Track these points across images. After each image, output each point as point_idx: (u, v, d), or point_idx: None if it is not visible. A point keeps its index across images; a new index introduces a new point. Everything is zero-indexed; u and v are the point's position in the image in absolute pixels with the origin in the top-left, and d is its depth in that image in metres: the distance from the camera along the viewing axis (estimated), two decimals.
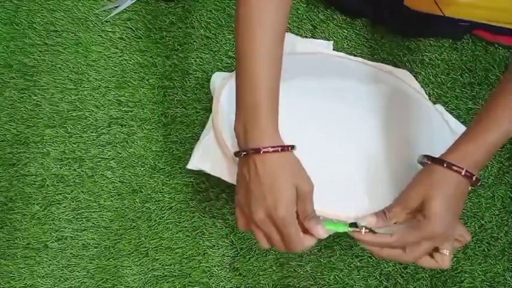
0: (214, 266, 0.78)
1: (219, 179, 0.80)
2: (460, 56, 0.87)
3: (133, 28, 0.89)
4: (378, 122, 0.67)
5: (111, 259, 0.78)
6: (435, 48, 0.88)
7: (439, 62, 0.87)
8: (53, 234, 0.79)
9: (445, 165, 0.51)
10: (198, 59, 0.87)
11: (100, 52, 0.87)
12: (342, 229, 0.55)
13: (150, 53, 0.87)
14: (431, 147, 0.57)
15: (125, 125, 0.84)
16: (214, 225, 0.79)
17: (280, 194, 0.50)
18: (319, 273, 0.77)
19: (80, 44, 0.88)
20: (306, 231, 0.52)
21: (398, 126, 0.68)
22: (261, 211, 0.50)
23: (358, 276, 0.77)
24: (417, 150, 0.63)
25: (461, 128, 0.75)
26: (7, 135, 0.84)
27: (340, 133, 0.65)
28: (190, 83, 0.86)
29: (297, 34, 0.87)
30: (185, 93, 0.85)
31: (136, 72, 0.86)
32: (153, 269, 0.78)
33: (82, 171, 0.82)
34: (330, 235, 0.55)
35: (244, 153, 0.51)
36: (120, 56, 0.87)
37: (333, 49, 0.84)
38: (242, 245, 0.78)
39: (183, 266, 0.78)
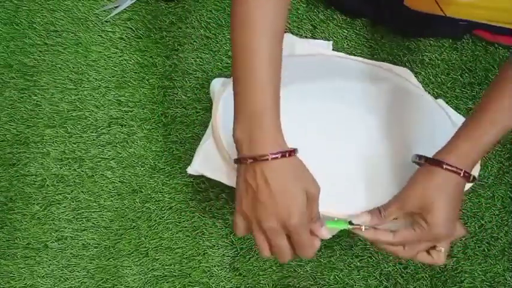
0: (214, 266, 0.78)
1: None
2: (460, 56, 0.87)
3: (133, 28, 0.89)
4: (378, 122, 0.67)
5: (111, 259, 0.78)
6: (435, 48, 0.88)
7: (439, 62, 0.87)
8: (53, 234, 0.79)
9: (444, 167, 0.51)
10: (198, 59, 0.87)
11: (100, 52, 0.87)
12: (342, 226, 0.55)
13: (150, 53, 0.87)
14: (433, 143, 0.57)
15: (125, 125, 0.84)
16: (214, 225, 0.79)
17: (293, 202, 0.48)
18: (319, 273, 0.77)
19: (80, 44, 0.88)
20: (310, 232, 0.52)
21: (399, 124, 0.68)
22: (272, 220, 0.48)
23: (358, 276, 0.77)
24: (419, 147, 0.63)
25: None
26: (7, 135, 0.84)
27: (340, 133, 0.65)
28: (190, 83, 0.86)
29: (296, 34, 0.87)
30: (185, 93, 0.85)
31: (136, 72, 0.86)
32: (153, 269, 0.78)
33: (82, 171, 0.82)
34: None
35: (251, 160, 0.48)
36: (120, 56, 0.87)
37: (333, 49, 0.84)
38: (242, 245, 0.78)
39: (183, 266, 0.78)
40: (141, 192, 0.81)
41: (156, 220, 0.80)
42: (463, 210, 0.80)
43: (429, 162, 0.53)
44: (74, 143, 0.83)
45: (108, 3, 0.90)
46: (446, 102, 0.84)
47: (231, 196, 0.80)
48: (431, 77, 0.86)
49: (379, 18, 0.88)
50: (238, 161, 0.50)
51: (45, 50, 0.88)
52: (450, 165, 0.51)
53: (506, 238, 0.79)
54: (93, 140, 0.83)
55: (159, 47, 0.88)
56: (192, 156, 0.65)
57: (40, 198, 0.81)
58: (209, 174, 0.63)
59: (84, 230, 0.80)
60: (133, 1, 0.89)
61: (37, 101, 0.85)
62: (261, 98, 0.48)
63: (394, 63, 0.85)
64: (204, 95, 0.85)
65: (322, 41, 0.84)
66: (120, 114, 0.84)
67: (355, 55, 0.83)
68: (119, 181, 0.81)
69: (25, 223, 0.80)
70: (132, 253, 0.78)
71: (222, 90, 0.66)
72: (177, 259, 0.78)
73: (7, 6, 0.91)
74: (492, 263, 0.78)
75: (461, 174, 0.51)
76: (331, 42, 0.84)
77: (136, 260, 0.78)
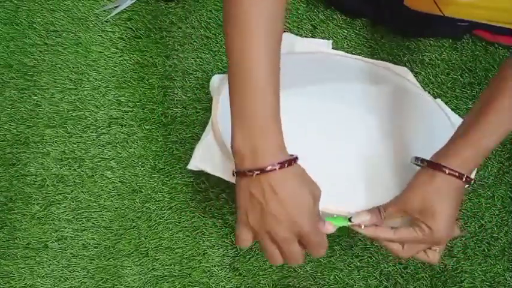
0: (214, 266, 0.78)
1: (219, 178, 0.80)
2: (460, 56, 0.87)
3: (133, 28, 0.89)
4: (378, 122, 0.67)
5: (111, 259, 0.78)
6: (435, 48, 0.88)
7: (439, 62, 0.87)
8: (53, 234, 0.79)
9: (447, 172, 0.50)
10: (198, 59, 0.87)
11: (100, 52, 0.87)
12: (342, 223, 0.55)
13: (150, 53, 0.87)
14: (432, 144, 0.57)
15: (125, 125, 0.84)
16: (214, 225, 0.79)
17: (304, 208, 0.48)
18: (319, 273, 0.77)
19: (80, 44, 0.88)
20: None
21: (399, 124, 0.68)
22: (285, 230, 0.47)
23: (358, 276, 0.77)
24: (418, 147, 0.63)
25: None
26: (7, 135, 0.84)
27: (340, 133, 0.65)
28: (190, 83, 0.86)
29: (296, 34, 0.87)
30: (185, 93, 0.85)
31: (136, 72, 0.86)
32: (153, 269, 0.78)
33: (82, 171, 0.82)
34: (330, 234, 0.55)
35: (257, 172, 0.46)
36: (120, 56, 0.87)
37: (333, 48, 0.84)
38: None
39: (183, 266, 0.78)
40: (141, 192, 0.81)
41: (156, 220, 0.80)
42: (463, 210, 0.80)
43: (431, 166, 0.52)
44: (74, 143, 0.83)
45: (108, 3, 0.90)
46: (446, 103, 0.84)
47: (231, 196, 0.80)
48: (431, 77, 0.86)
49: (379, 18, 0.88)
50: (239, 173, 0.48)
51: (45, 50, 0.88)
52: (453, 170, 0.50)
53: (506, 238, 0.79)
54: (93, 140, 0.83)
55: (159, 47, 0.88)
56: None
57: (40, 198, 0.81)
58: (209, 170, 0.63)
59: (84, 230, 0.80)
60: (133, 1, 0.89)
61: (37, 101, 0.85)
62: (262, 108, 0.46)
63: (394, 63, 0.85)
64: (204, 95, 0.85)
65: (321, 40, 0.84)
66: (120, 114, 0.84)
67: (355, 55, 0.83)
68: (119, 181, 0.81)
69: (25, 223, 0.80)
70: (132, 253, 0.79)
71: (221, 86, 0.66)
72: (177, 259, 0.78)
73: (7, 6, 0.91)
74: (492, 263, 0.78)
75: (463, 179, 0.51)
76: (330, 41, 0.84)
77: (136, 260, 0.78)
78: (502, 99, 0.51)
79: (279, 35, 0.47)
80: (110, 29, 0.89)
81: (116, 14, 0.89)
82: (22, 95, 0.86)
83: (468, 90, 0.86)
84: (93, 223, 0.80)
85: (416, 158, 0.55)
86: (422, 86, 0.81)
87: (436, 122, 0.71)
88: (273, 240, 0.48)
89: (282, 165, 0.46)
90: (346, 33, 0.88)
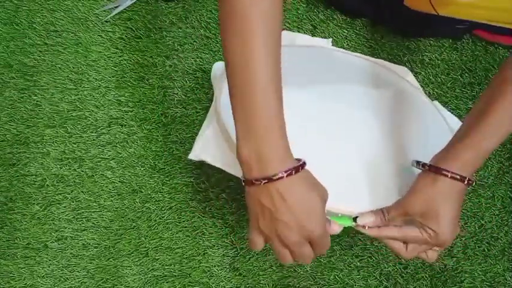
0: (214, 266, 0.78)
1: (219, 178, 0.80)
2: (460, 56, 0.87)
3: (133, 28, 0.89)
4: (377, 123, 0.67)
5: (111, 259, 0.78)
6: (435, 48, 0.88)
7: (439, 62, 0.87)
8: (53, 234, 0.79)
9: (449, 175, 0.51)
10: (198, 59, 0.87)
11: (100, 52, 0.87)
12: (346, 223, 0.55)
13: (150, 53, 0.87)
14: (427, 147, 0.57)
15: (125, 125, 0.84)
16: (214, 225, 0.79)
17: (313, 213, 0.48)
18: (319, 273, 0.77)
19: (80, 44, 0.88)
20: None
21: (397, 125, 0.68)
22: (295, 235, 0.48)
23: (358, 276, 0.77)
24: (414, 149, 0.63)
25: (458, 124, 0.75)
26: (7, 135, 0.84)
27: (340, 133, 0.65)
28: (190, 83, 0.86)
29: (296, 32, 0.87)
30: (185, 93, 0.85)
31: (136, 72, 0.86)
32: (153, 269, 0.78)
33: (82, 171, 0.82)
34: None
35: (265, 181, 0.46)
36: (120, 56, 0.87)
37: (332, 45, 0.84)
38: (242, 245, 0.78)
39: (183, 266, 0.78)
40: (141, 192, 0.81)
41: (156, 220, 0.79)
42: (463, 210, 0.80)
43: (432, 170, 0.52)
44: (74, 143, 0.83)
45: (108, 3, 0.90)
46: (446, 103, 0.84)
47: (231, 196, 0.80)
48: (431, 77, 0.86)
49: (379, 18, 0.88)
50: (247, 182, 0.48)
51: (45, 50, 0.88)
52: (454, 173, 0.51)
53: (506, 238, 0.79)
54: (93, 140, 0.83)
55: (159, 47, 0.88)
56: None
57: (40, 198, 0.81)
58: (210, 160, 0.62)
59: (84, 230, 0.80)
60: (133, 1, 0.89)
61: (37, 101, 0.85)
62: (267, 115, 0.45)
63: (394, 63, 0.85)
64: (204, 95, 0.85)
65: (321, 39, 0.84)
66: (120, 114, 0.84)
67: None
68: (119, 181, 0.81)
69: (25, 223, 0.80)
70: (132, 253, 0.78)
71: (224, 75, 0.65)
72: (177, 259, 0.78)
73: (7, 6, 0.91)
74: (492, 263, 0.78)
75: (465, 182, 0.51)
76: (330, 39, 0.84)
77: (136, 260, 0.78)
78: (502, 101, 0.51)
79: (278, 36, 0.47)
80: (110, 29, 0.89)
81: (116, 14, 0.89)
82: (22, 95, 0.86)
83: (468, 90, 0.86)
84: (93, 223, 0.80)
85: (418, 162, 0.55)
86: (422, 86, 0.81)
87: (433, 125, 0.71)
88: (283, 244, 0.49)
89: (289, 172, 0.46)
90: (346, 33, 0.88)
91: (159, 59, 0.87)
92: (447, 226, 0.51)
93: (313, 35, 0.88)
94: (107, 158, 0.82)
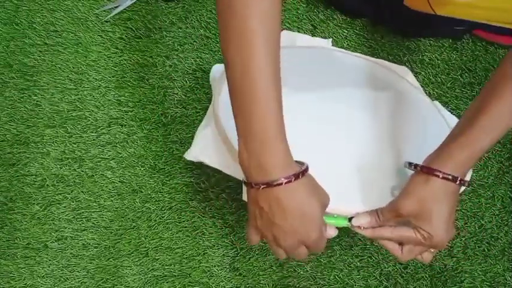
0: (214, 266, 0.78)
1: (218, 178, 0.80)
2: (460, 56, 0.87)
3: (133, 28, 0.89)
4: (377, 123, 0.67)
5: (111, 259, 0.78)
6: (435, 48, 0.88)
7: (439, 62, 0.87)
8: (53, 234, 0.79)
9: (441, 176, 0.50)
10: (198, 59, 0.87)
11: (100, 52, 0.87)
12: (341, 224, 0.55)
13: (150, 53, 0.87)
14: (427, 148, 0.57)
15: (125, 125, 0.84)
16: (214, 225, 0.79)
17: (311, 221, 0.48)
18: (319, 273, 0.77)
19: (80, 44, 0.88)
20: None
21: (397, 126, 0.68)
22: (291, 240, 0.48)
23: (358, 276, 0.77)
24: (414, 150, 0.63)
25: None
26: (7, 135, 0.84)
27: (339, 134, 0.65)
28: (190, 83, 0.86)
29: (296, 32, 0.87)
30: (185, 93, 0.85)
31: (136, 72, 0.86)
32: (153, 269, 0.78)
33: (82, 171, 0.82)
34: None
35: (264, 186, 0.46)
36: (120, 56, 0.87)
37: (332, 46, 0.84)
38: (242, 245, 0.78)
39: (183, 266, 0.78)
40: (141, 192, 0.81)
41: (156, 220, 0.79)
42: (463, 210, 0.80)
43: (424, 171, 0.52)
44: (74, 143, 0.83)
45: (108, 3, 0.90)
46: (446, 103, 0.84)
47: (231, 196, 0.80)
48: (431, 77, 0.86)
49: (379, 18, 0.88)
50: (248, 184, 0.48)
51: (45, 50, 0.88)
52: (446, 174, 0.50)
53: (506, 238, 0.79)
54: (93, 140, 0.83)
55: (159, 47, 0.88)
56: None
57: (40, 198, 0.81)
58: (207, 161, 0.62)
59: (84, 230, 0.80)
60: (133, 1, 0.89)
61: (37, 101, 0.85)
62: (266, 117, 0.45)
63: (394, 63, 0.85)
64: (204, 95, 0.85)
65: (321, 39, 0.84)
66: (120, 114, 0.84)
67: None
68: (119, 181, 0.81)
69: (25, 223, 0.80)
70: (132, 253, 0.78)
71: (223, 77, 0.65)
72: (177, 259, 0.78)
73: (7, 6, 0.91)
74: (492, 263, 0.78)
75: (457, 182, 0.51)
76: (330, 39, 0.84)
77: (136, 260, 0.78)
78: (497, 100, 0.51)
79: (278, 36, 0.46)
80: (110, 29, 0.89)
81: (115, 14, 0.89)
82: (22, 95, 0.86)
83: (468, 90, 0.86)
84: (93, 223, 0.80)
85: (410, 164, 0.55)
86: (422, 86, 0.81)
87: (433, 126, 0.71)
88: (277, 244, 0.50)
89: (288, 179, 0.46)
90: (346, 33, 0.88)
91: (159, 59, 0.87)
92: (441, 227, 0.51)
93: (313, 35, 0.88)
94: (107, 158, 0.82)
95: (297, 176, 0.46)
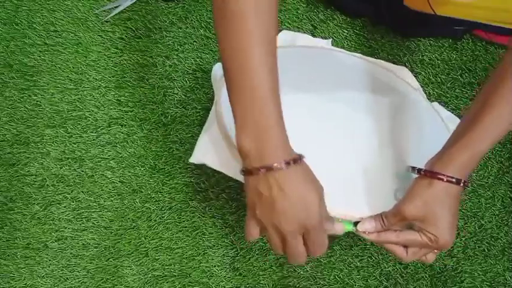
0: (214, 266, 0.78)
1: (218, 178, 0.80)
2: (460, 56, 0.87)
3: (133, 28, 0.89)
4: (377, 125, 0.67)
5: (111, 259, 0.78)
6: (435, 48, 0.88)
7: (439, 62, 0.87)
8: (53, 234, 0.79)
9: (445, 179, 0.51)
10: (198, 59, 0.87)
11: (100, 52, 0.87)
12: (347, 229, 0.55)
13: (150, 53, 0.87)
14: (427, 150, 0.57)
15: (125, 125, 0.84)
16: (214, 225, 0.79)
17: (311, 205, 0.48)
18: (319, 273, 0.77)
19: (80, 44, 0.88)
20: None
21: (396, 128, 0.68)
22: (292, 225, 0.48)
23: (358, 276, 0.77)
24: (414, 154, 0.63)
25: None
26: (7, 135, 0.84)
27: (339, 136, 0.65)
28: (190, 83, 0.86)
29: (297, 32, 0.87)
30: (185, 93, 0.85)
31: (136, 72, 0.86)
32: (153, 269, 0.78)
33: (82, 171, 0.82)
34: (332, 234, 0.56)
35: (263, 170, 0.47)
36: (120, 56, 0.87)
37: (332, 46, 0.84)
38: (242, 245, 0.78)
39: (183, 266, 0.78)
40: (141, 192, 0.81)
41: (156, 220, 0.79)
42: (463, 210, 0.80)
43: (427, 174, 0.52)
44: (74, 143, 0.83)
45: (108, 3, 0.90)
46: (446, 103, 0.84)
47: (231, 196, 0.80)
48: (431, 77, 0.86)
49: (379, 18, 0.88)
50: (247, 172, 0.49)
51: (45, 50, 0.88)
52: (450, 177, 0.51)
53: (506, 238, 0.79)
54: (93, 140, 0.83)
55: (159, 47, 0.88)
56: None
57: (40, 198, 0.81)
58: (210, 164, 0.62)
59: (84, 230, 0.80)
60: (133, 1, 0.89)
61: (37, 101, 0.85)
62: (266, 108, 0.47)
63: (394, 63, 0.85)
64: (204, 95, 0.85)
65: (321, 39, 0.84)
66: (120, 114, 0.84)
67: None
68: (119, 181, 0.81)
69: (25, 223, 0.80)
70: (132, 253, 0.78)
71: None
72: (177, 259, 0.78)
73: (7, 6, 0.91)
74: (492, 263, 0.78)
75: (461, 184, 0.51)
76: (330, 40, 0.84)
77: (136, 260, 0.78)
78: (496, 104, 0.51)
79: (275, 29, 0.48)
80: (110, 29, 0.89)
81: (115, 14, 0.89)
82: (22, 95, 0.86)
83: (468, 90, 0.86)
84: (93, 223, 0.80)
85: (413, 168, 0.55)
86: (422, 86, 0.81)
87: (432, 129, 0.71)
88: (278, 233, 0.49)
89: (287, 163, 0.47)
90: (346, 33, 0.88)
91: (159, 59, 0.87)
92: (446, 229, 0.51)
93: (313, 35, 0.88)
94: (107, 158, 0.82)
95: (295, 161, 0.48)
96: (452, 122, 0.76)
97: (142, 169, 0.82)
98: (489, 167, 0.82)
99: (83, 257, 0.79)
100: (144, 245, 0.79)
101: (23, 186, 0.81)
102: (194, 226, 0.79)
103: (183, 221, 0.79)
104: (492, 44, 0.87)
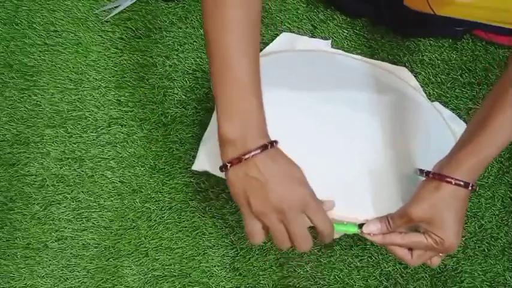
0: (214, 266, 0.78)
1: (219, 178, 0.80)
2: (460, 56, 0.87)
3: (133, 28, 0.89)
4: (379, 127, 0.67)
5: (111, 259, 0.78)
6: (435, 48, 0.88)
7: (439, 62, 0.87)
8: (53, 234, 0.79)
9: (453, 182, 0.51)
10: (198, 59, 0.87)
11: (100, 52, 0.87)
12: (352, 231, 0.55)
13: (150, 53, 0.87)
14: (430, 151, 0.57)
15: (125, 125, 0.84)
16: (214, 225, 0.79)
17: (302, 180, 0.50)
18: (319, 273, 0.77)
19: (80, 44, 0.88)
20: None
21: (399, 130, 0.68)
22: (290, 201, 0.48)
23: (358, 276, 0.77)
24: (416, 155, 0.63)
25: (460, 127, 0.74)
26: (7, 135, 0.84)
27: (342, 139, 0.65)
28: (190, 83, 0.86)
29: (296, 34, 0.87)
30: (185, 93, 0.85)
31: (136, 72, 0.86)
32: (153, 269, 0.78)
33: (82, 171, 0.82)
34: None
35: (253, 153, 0.48)
36: (120, 56, 0.87)
37: (332, 47, 0.84)
38: (242, 245, 0.78)
39: (183, 266, 0.78)
40: (141, 192, 0.81)
41: (156, 220, 0.79)
42: None
43: (436, 177, 0.52)
44: (74, 143, 0.83)
45: (108, 3, 0.90)
46: (446, 103, 0.84)
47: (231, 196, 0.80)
48: (431, 77, 0.86)
49: (379, 18, 0.88)
50: (233, 161, 0.49)
51: (45, 50, 0.88)
52: (458, 180, 0.51)
53: (506, 238, 0.79)
54: (93, 140, 0.83)
55: (159, 47, 0.88)
56: (192, 156, 0.65)
57: (40, 198, 0.81)
58: (213, 170, 0.63)
59: (84, 230, 0.80)
60: (133, 1, 0.89)
61: (37, 101, 0.85)
62: (247, 91, 0.49)
63: (394, 64, 0.85)
64: (204, 95, 0.85)
65: (321, 39, 0.84)
66: (120, 114, 0.84)
67: (355, 54, 0.83)
68: (119, 181, 0.81)
69: (25, 223, 0.80)
70: (132, 253, 0.78)
71: None
72: (177, 259, 0.78)
73: (7, 6, 0.91)
74: (492, 263, 0.78)
75: (469, 188, 0.51)
76: (330, 41, 0.84)
77: (136, 260, 0.78)
78: (504, 110, 0.51)
79: (256, 23, 0.49)
80: (110, 29, 0.89)
81: (115, 14, 0.89)
82: (22, 95, 0.86)
83: (468, 90, 0.86)
84: (93, 223, 0.80)
85: (421, 170, 0.55)
86: (422, 86, 0.81)
87: (435, 130, 0.71)
88: (280, 217, 0.49)
89: (271, 144, 0.49)
90: (346, 33, 0.88)
91: (159, 59, 0.87)
92: (452, 232, 0.51)
93: (313, 35, 0.88)
94: (107, 158, 0.82)
95: (276, 143, 0.50)
96: (454, 121, 0.76)
97: (142, 169, 0.82)
98: (489, 167, 0.82)
99: (83, 257, 0.79)
100: (144, 245, 0.79)
101: (23, 186, 0.81)
102: (194, 226, 0.79)
103: (183, 221, 0.79)
104: (492, 44, 0.87)
